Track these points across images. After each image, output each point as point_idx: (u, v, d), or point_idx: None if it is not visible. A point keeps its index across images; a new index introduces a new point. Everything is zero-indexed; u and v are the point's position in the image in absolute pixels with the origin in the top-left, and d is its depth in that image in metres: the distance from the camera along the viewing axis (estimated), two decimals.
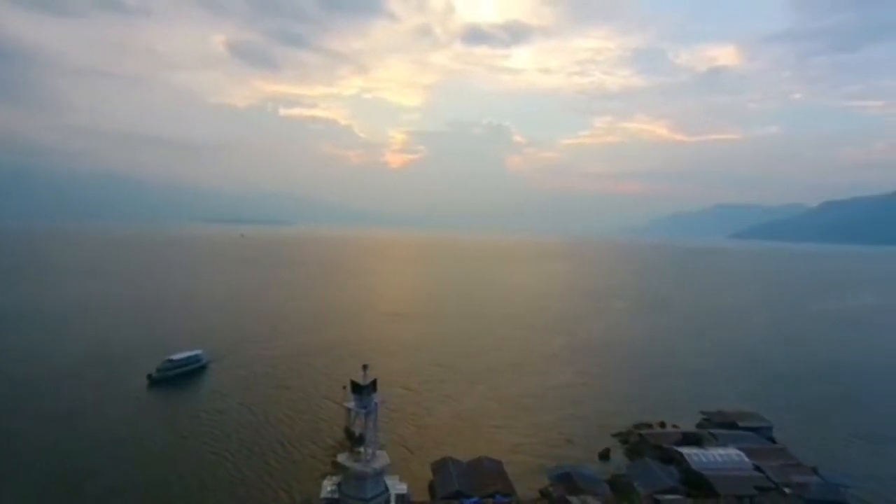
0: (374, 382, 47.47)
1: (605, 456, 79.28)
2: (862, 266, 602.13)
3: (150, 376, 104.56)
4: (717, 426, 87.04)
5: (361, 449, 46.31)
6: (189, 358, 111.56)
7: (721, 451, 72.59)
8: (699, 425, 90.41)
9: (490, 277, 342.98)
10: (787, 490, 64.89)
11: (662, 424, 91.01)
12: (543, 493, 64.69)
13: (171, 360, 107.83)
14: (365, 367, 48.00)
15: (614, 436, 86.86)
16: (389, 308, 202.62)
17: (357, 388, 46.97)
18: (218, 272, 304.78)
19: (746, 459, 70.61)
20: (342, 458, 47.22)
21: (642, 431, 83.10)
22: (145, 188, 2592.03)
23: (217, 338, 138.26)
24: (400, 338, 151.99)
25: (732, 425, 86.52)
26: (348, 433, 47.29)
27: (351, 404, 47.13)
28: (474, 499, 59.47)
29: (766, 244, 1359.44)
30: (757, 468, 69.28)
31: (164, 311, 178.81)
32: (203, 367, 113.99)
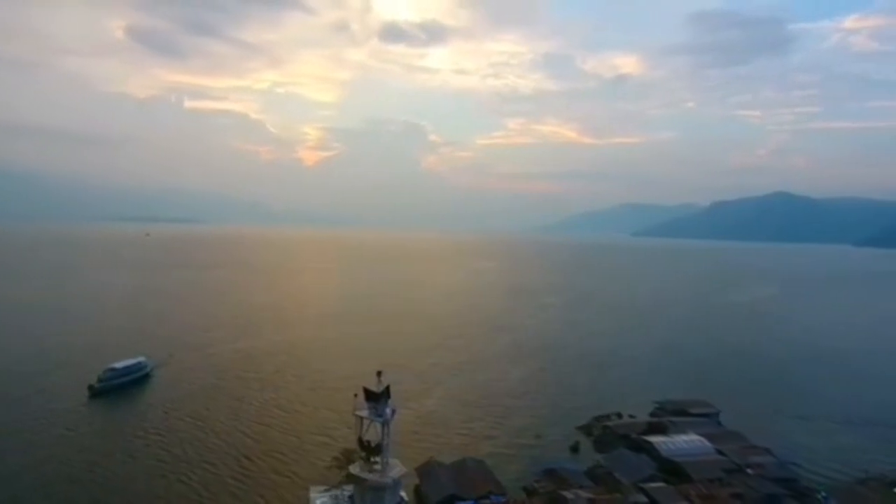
0: (387, 389, 45.90)
1: (575, 449, 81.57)
2: (750, 261, 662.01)
3: (91, 387, 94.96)
4: (671, 414, 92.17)
5: (378, 459, 44.64)
6: (132, 366, 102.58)
7: (685, 437, 76.94)
8: (653, 414, 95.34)
9: (419, 276, 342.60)
10: (749, 471, 70.10)
11: (619, 415, 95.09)
12: (529, 490, 65.45)
13: (113, 369, 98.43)
14: (379, 373, 46.24)
15: (578, 429, 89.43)
16: (322, 310, 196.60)
17: (371, 396, 45.20)
18: (116, 274, 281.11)
19: (708, 444, 75.35)
20: (356, 469, 45.23)
21: (609, 423, 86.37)
22: (42, 184, 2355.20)
23: (152, 344, 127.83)
24: (342, 340, 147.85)
25: (684, 413, 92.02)
26: (361, 443, 45.41)
27: (364, 413, 45.29)
28: (470, 501, 59.05)
29: (665, 241, 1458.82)
30: (719, 452, 74.25)
31: (62, 316, 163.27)
32: (147, 376, 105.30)
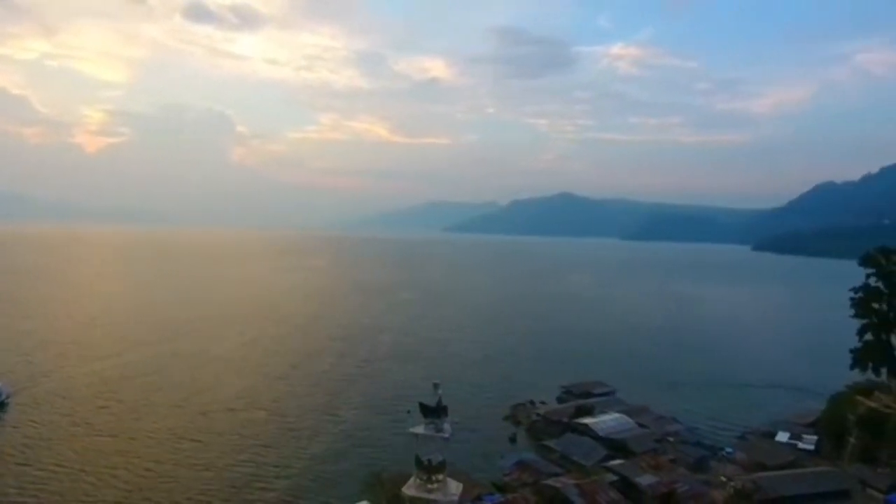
0: (439, 401, 43.08)
1: (513, 440, 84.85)
2: (555, 252, 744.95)
3: None
4: (578, 397, 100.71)
5: (440, 477, 41.73)
6: None
7: (609, 416, 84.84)
8: (560, 399, 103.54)
9: (257, 277, 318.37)
10: (670, 439, 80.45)
11: (532, 402, 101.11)
12: (500, 486, 66.39)
13: None
14: (436, 385, 43.12)
15: (505, 419, 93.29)
16: (164, 320, 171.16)
17: (428, 411, 42.07)
18: None
19: (630, 420, 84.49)
20: (412, 490, 41.67)
21: (540, 411, 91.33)
22: None
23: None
24: (210, 355, 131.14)
25: (589, 394, 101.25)
26: (419, 461, 41.99)
27: (420, 429, 41.99)
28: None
29: (473, 236, 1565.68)
30: (640, 425, 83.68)
31: None
32: (3, 405, 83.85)
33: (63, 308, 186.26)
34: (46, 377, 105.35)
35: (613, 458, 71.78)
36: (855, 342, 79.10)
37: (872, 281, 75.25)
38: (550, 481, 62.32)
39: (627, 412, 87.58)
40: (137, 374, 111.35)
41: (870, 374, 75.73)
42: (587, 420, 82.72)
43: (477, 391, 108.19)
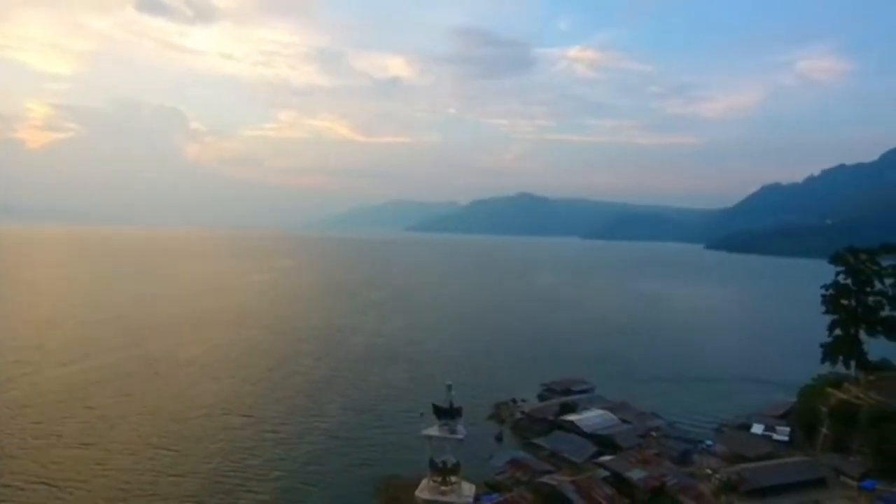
0: (451, 402, 42.99)
1: (499, 438, 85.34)
2: (519, 252, 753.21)
3: None
4: (559, 394, 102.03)
5: (454, 479, 41.60)
6: None
7: (593, 413, 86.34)
8: (541, 396, 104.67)
9: (216, 277, 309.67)
10: (653, 434, 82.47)
11: (514, 401, 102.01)
12: (492, 485, 66.66)
13: None
14: (449, 386, 42.96)
15: (489, 419, 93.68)
16: (128, 323, 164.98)
17: (442, 413, 41.91)
18: None
19: (613, 416, 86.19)
20: (426, 493, 41.44)
21: (525, 409, 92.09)
22: None
23: None
24: (174, 355, 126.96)
25: (569, 391, 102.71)
26: (433, 464, 41.78)
27: (433, 431, 41.81)
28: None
29: (435, 235, 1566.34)
30: (623, 421, 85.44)
31: None
32: None
33: (17, 311, 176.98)
34: (6, 385, 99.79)
35: (602, 454, 73.03)
36: (809, 335, 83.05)
37: (841, 279, 79.16)
38: (545, 479, 62.98)
39: (609, 408, 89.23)
40: (105, 379, 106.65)
41: (839, 367, 79.53)
42: (573, 417, 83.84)
43: (458, 391, 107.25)
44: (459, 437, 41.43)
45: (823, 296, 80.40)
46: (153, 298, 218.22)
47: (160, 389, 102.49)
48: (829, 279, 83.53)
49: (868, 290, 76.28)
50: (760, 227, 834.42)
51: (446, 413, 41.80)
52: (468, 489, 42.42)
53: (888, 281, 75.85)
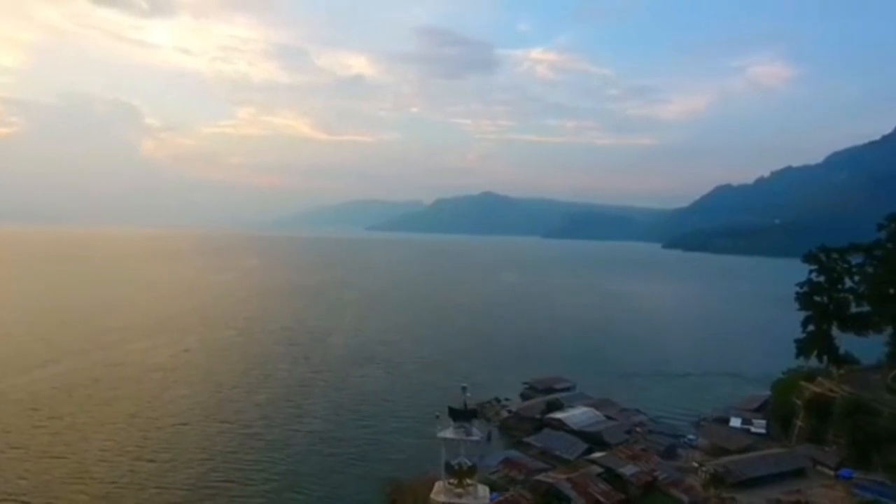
0: (465, 404, 42.60)
1: (488, 438, 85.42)
2: (479, 249, 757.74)
3: None
4: (541, 392, 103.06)
5: (470, 482, 41.23)
6: None
7: (579, 410, 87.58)
8: (523, 395, 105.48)
9: (179, 278, 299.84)
10: (638, 429, 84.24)
11: (498, 400, 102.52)
12: (487, 485, 66.85)
13: None
14: (464, 388, 42.44)
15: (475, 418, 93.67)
16: (86, 324, 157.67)
17: (458, 414, 41.43)
18: None
19: (598, 413, 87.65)
20: (441, 496, 40.83)
21: (511, 408, 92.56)
22: None
23: None
24: (143, 360, 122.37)
25: (552, 389, 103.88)
26: (448, 466, 41.29)
27: (448, 433, 41.31)
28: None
29: (397, 235, 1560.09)
30: (609, 417, 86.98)
31: None
32: None
33: None
34: None
35: (591, 451, 74.13)
36: (771, 332, 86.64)
37: (814, 276, 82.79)
38: (541, 476, 63.46)
39: (593, 405, 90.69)
40: (71, 387, 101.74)
41: (812, 362, 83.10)
42: (560, 415, 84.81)
43: (441, 392, 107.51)
44: (475, 438, 40.94)
45: (797, 293, 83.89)
46: (110, 301, 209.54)
47: (132, 396, 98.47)
48: (782, 278, 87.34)
49: (839, 287, 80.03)
50: (713, 226, 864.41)
51: (462, 415, 41.28)
52: (483, 491, 41.95)
53: (857, 278, 79.75)
